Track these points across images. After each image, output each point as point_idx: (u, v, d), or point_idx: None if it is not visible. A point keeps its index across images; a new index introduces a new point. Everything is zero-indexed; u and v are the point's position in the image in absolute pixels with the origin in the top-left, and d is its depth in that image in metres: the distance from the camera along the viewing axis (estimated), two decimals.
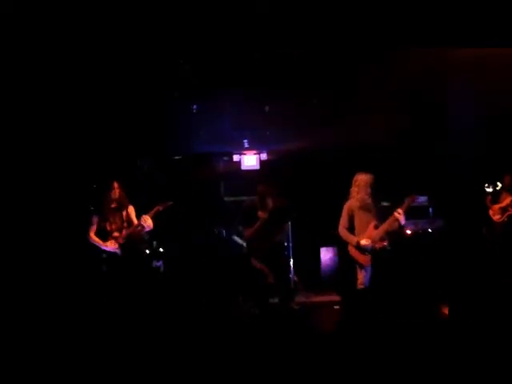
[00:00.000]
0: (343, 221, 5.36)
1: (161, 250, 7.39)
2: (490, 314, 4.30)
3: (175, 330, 4.93)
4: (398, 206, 5.17)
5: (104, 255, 5.45)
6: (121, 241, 5.48)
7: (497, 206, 7.35)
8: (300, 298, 6.66)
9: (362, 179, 5.33)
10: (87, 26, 4.82)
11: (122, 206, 5.57)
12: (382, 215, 5.25)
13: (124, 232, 5.51)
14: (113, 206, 5.53)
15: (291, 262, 6.97)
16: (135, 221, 5.58)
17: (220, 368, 3.84)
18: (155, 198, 5.71)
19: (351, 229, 5.33)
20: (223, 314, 5.78)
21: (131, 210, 5.65)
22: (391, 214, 5.16)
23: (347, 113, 6.99)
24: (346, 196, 5.48)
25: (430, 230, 7.52)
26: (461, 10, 4.76)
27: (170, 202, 5.57)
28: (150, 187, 7.16)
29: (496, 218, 7.35)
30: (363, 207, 5.29)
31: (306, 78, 6.30)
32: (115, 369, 3.86)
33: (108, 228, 5.50)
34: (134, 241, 5.59)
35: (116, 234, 5.50)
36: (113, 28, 4.90)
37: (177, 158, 8.14)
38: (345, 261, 5.69)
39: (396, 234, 5.38)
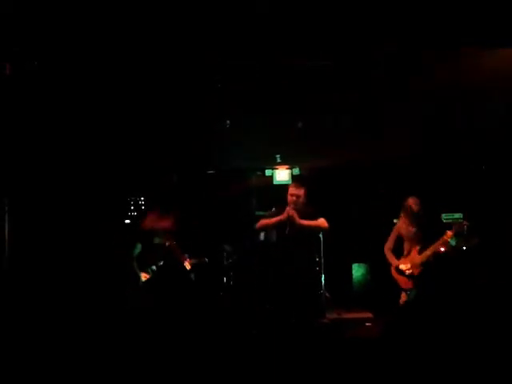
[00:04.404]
0: (389, 241, 5.51)
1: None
2: None
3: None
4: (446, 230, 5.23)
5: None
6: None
7: None
8: (332, 315, 6.62)
9: (407, 204, 5.37)
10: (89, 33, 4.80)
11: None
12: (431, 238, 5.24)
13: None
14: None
15: (323, 278, 6.93)
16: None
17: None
18: (188, 213, 5.85)
19: (395, 250, 5.38)
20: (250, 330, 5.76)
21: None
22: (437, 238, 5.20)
23: (380, 127, 6.94)
24: (377, 213, 5.50)
25: (464, 248, 7.37)
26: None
27: (206, 259, 6.20)
28: (183, 201, 7.25)
29: None
30: (409, 233, 5.33)
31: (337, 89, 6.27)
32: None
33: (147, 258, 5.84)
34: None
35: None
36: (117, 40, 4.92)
37: (210, 172, 8.22)
38: (377, 278, 5.67)
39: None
